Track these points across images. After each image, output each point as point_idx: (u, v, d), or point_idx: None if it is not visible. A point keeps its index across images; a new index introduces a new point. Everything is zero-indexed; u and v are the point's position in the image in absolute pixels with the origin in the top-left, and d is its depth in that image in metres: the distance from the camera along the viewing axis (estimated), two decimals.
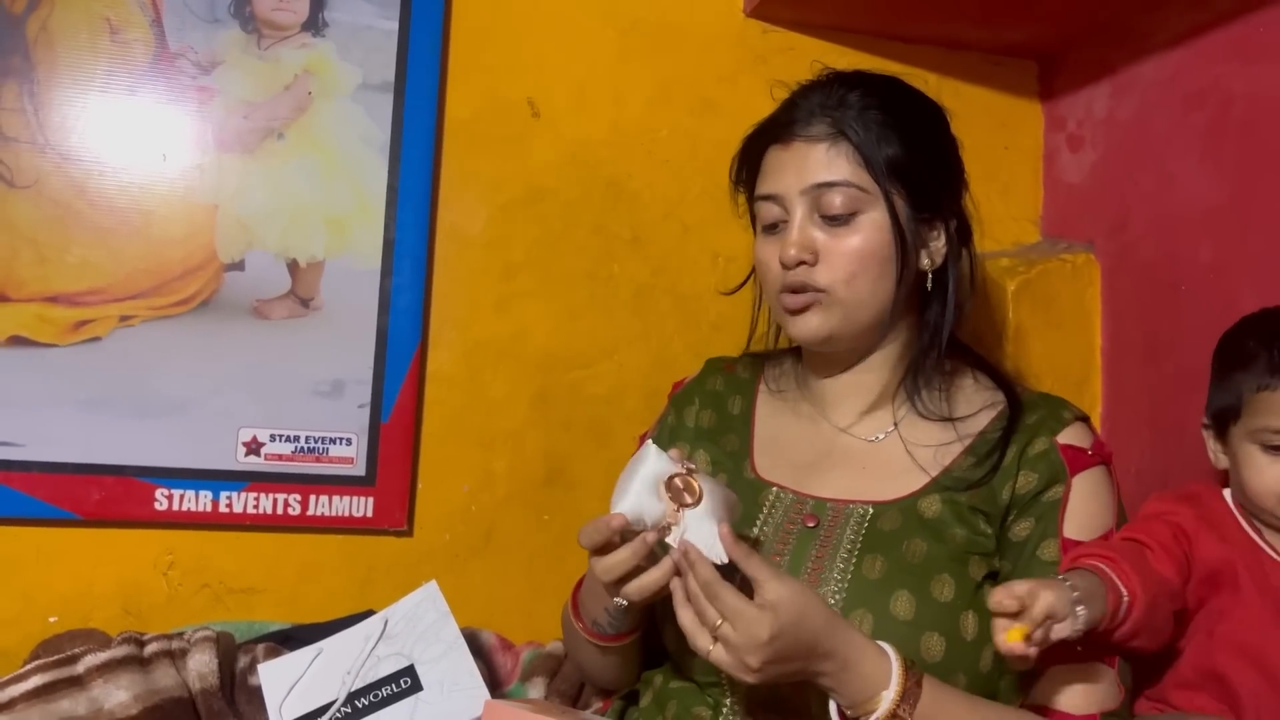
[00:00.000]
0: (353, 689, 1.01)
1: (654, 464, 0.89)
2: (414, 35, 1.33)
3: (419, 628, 1.05)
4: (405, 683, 1.02)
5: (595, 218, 1.41)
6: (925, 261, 1.00)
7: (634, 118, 1.43)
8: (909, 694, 0.84)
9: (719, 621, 0.84)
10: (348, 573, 1.32)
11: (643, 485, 0.89)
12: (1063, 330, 1.42)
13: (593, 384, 1.40)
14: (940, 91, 1.53)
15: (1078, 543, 0.93)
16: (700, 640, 0.85)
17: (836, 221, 0.96)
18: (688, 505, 0.88)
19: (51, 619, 1.23)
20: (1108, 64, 1.44)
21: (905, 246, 0.97)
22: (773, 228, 1.01)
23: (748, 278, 1.11)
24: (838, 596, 0.92)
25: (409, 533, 1.34)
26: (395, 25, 1.32)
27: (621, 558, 0.89)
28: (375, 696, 1.01)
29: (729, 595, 0.84)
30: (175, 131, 1.26)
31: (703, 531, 0.87)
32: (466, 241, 1.37)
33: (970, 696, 0.90)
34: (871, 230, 0.96)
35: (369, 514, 1.30)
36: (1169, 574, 0.92)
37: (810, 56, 1.46)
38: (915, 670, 0.86)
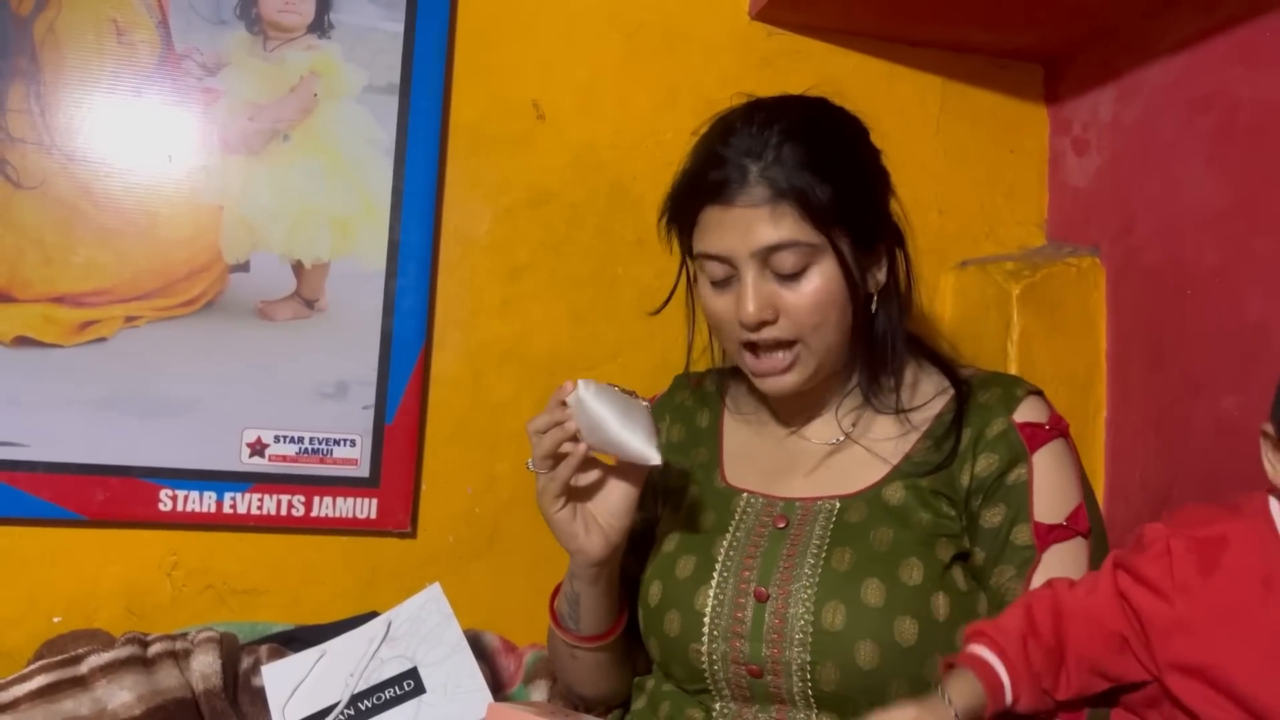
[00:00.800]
0: (356, 691, 1.01)
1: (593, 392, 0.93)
2: (419, 37, 1.33)
3: (422, 630, 1.05)
4: (408, 685, 1.02)
5: (600, 220, 1.41)
6: (872, 285, 1.01)
7: (639, 120, 1.43)
8: None
9: None
10: (351, 574, 1.32)
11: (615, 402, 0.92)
12: (1068, 334, 1.42)
13: None
14: (946, 94, 1.55)
15: (1050, 526, 0.94)
16: None
17: (790, 277, 0.96)
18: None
19: (55, 619, 1.23)
20: (1113, 68, 1.44)
21: (856, 285, 0.98)
22: (723, 282, 0.99)
23: (669, 298, 1.09)
24: (810, 591, 0.93)
25: (412, 534, 1.34)
26: (401, 27, 1.32)
27: (542, 420, 0.94)
28: (378, 699, 1.01)
29: None
30: (181, 133, 1.27)
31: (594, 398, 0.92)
32: (471, 243, 1.37)
33: None
34: (824, 279, 0.96)
35: (373, 515, 1.30)
36: (1063, 690, 0.83)
37: (816, 59, 1.48)
38: None
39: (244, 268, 1.28)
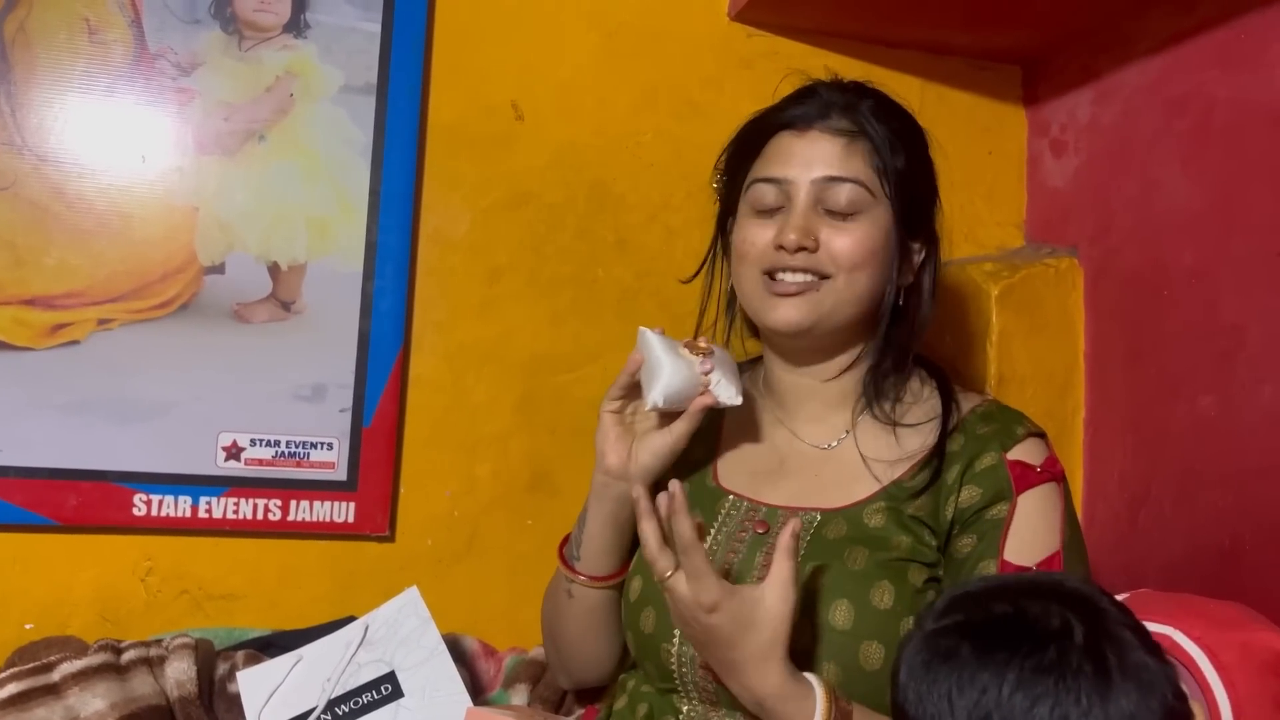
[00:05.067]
0: (333, 696, 1.01)
1: (661, 340, 1.00)
2: (397, 37, 1.32)
3: (400, 634, 1.04)
4: (386, 689, 1.01)
5: (579, 221, 1.41)
6: (904, 273, 1.02)
7: (618, 121, 1.42)
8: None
9: (668, 572, 0.86)
10: (329, 579, 1.31)
11: (669, 357, 0.98)
12: (1046, 335, 1.42)
13: (577, 388, 1.39)
14: (925, 96, 1.55)
15: (1018, 568, 0.92)
16: (662, 563, 0.87)
17: (839, 217, 0.97)
18: (709, 354, 0.99)
19: (27, 626, 1.21)
20: (1091, 69, 1.45)
21: (903, 252, 0.99)
22: (768, 211, 1.00)
23: (704, 263, 1.11)
24: None
25: (391, 538, 1.33)
26: (378, 27, 1.31)
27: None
28: (356, 704, 1.00)
29: (700, 558, 0.85)
30: (155, 133, 1.25)
31: (725, 381, 0.99)
32: (450, 244, 1.36)
33: None
34: (872, 228, 0.98)
35: (350, 519, 1.29)
36: None
37: (794, 61, 1.47)
38: (843, 703, 0.86)
39: (219, 269, 1.27)
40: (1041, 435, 0.99)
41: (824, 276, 0.98)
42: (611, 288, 1.41)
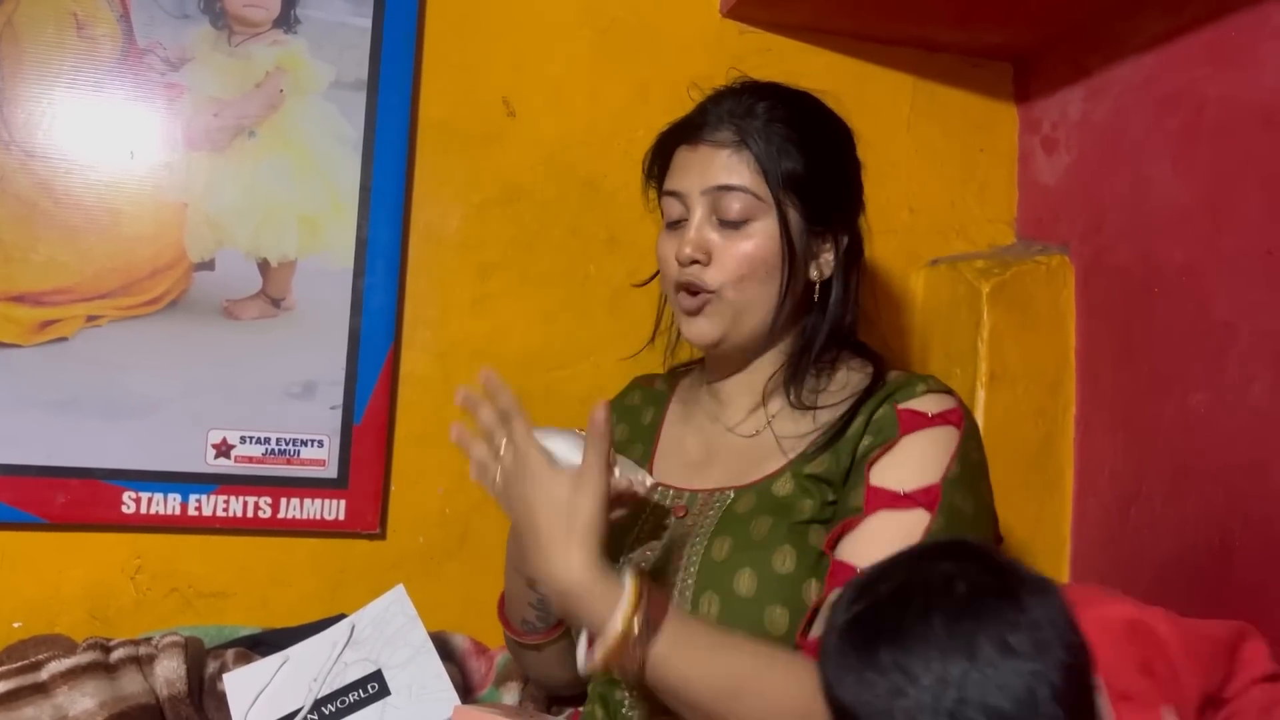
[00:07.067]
0: (319, 696, 1.00)
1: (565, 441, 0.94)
2: (388, 32, 1.31)
3: (387, 632, 1.04)
4: (373, 688, 1.01)
5: (571, 218, 1.40)
6: (814, 273, 1.03)
7: (610, 117, 1.42)
8: (645, 615, 0.82)
9: (502, 449, 0.91)
10: (319, 577, 1.30)
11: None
12: (1037, 332, 1.42)
13: (569, 385, 1.39)
14: (916, 93, 1.55)
15: (881, 490, 0.92)
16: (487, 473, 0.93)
17: (731, 225, 0.99)
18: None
19: (16, 624, 1.21)
20: (1083, 67, 1.45)
21: (794, 256, 1.00)
22: (675, 224, 1.04)
23: (655, 273, 1.12)
24: (690, 580, 0.95)
25: (381, 536, 1.33)
26: (369, 22, 1.31)
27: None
28: (342, 703, 1.00)
29: (522, 428, 0.90)
30: (143, 129, 1.24)
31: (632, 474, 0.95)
32: (441, 241, 1.36)
33: (724, 632, 0.89)
34: (763, 238, 0.99)
35: (341, 517, 1.29)
36: None
37: (787, 58, 1.47)
38: (659, 596, 0.84)
39: (209, 266, 1.26)
40: (947, 392, 0.99)
41: (713, 292, 1.00)
42: (603, 285, 1.41)
